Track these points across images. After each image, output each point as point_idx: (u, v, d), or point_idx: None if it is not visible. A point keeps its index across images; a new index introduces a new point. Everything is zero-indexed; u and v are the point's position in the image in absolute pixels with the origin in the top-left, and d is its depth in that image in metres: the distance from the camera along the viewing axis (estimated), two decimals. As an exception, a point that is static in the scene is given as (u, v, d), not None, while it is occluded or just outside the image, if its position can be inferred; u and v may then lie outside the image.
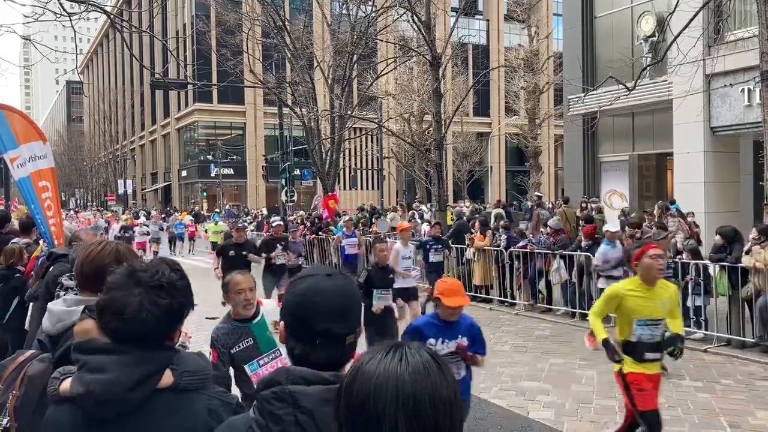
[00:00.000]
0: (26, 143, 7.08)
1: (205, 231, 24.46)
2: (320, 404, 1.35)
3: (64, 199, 67.98)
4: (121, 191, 58.40)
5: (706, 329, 8.80)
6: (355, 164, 49.37)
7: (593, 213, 13.87)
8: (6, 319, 5.88)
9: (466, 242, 12.68)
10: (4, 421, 2.04)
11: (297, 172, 30.00)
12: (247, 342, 3.78)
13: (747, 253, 8.34)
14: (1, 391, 2.13)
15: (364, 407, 1.09)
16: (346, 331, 1.49)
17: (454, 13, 30.56)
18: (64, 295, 3.03)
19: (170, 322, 1.69)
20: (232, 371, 3.84)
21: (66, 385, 1.67)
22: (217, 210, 38.86)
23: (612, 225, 10.37)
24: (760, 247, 8.14)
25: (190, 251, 25.01)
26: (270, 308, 3.95)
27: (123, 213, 38.32)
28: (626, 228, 10.77)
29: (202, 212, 39.85)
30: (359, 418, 1.10)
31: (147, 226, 23.08)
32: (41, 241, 7.76)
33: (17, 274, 6.09)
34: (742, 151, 16.09)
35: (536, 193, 22.07)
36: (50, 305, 2.16)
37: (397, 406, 1.07)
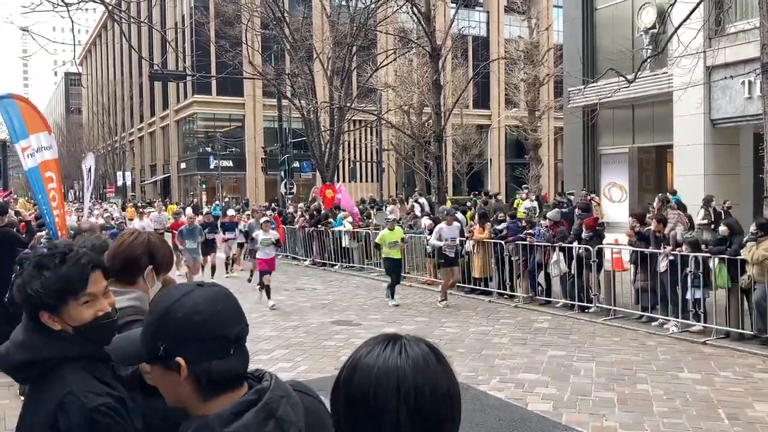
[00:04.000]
0: (35, 133, 7.09)
1: (377, 246, 13.00)
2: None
3: (63, 191, 67.93)
4: (120, 183, 58.37)
5: (705, 322, 8.81)
6: (355, 156, 49.28)
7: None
8: None
9: (466, 234, 12.68)
10: None
11: (296, 164, 29.95)
12: None
13: (742, 246, 8.37)
14: None
15: (364, 401, 1.08)
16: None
17: (454, 5, 30.41)
18: None
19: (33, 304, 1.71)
20: None
21: None
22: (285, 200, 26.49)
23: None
24: (755, 243, 8.13)
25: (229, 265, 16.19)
26: None
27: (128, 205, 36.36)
28: (630, 218, 10.77)
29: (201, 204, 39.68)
30: (359, 412, 1.09)
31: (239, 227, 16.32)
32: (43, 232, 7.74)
33: None
34: (742, 144, 16.08)
35: (524, 186, 22.34)
36: None
37: (398, 399, 1.06)
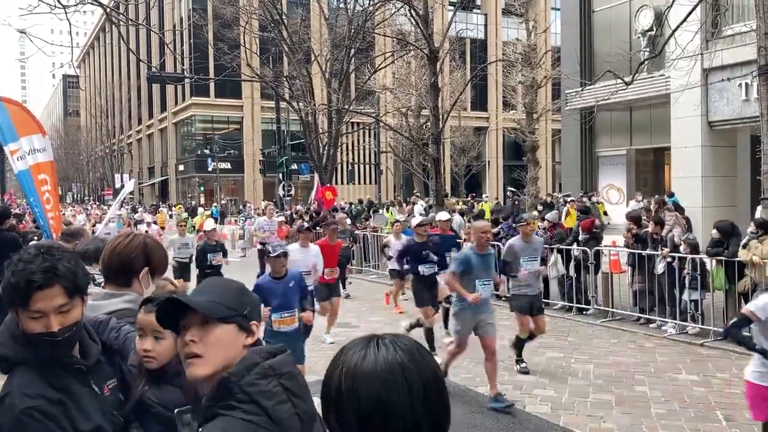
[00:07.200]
0: (26, 136, 7.08)
1: None
2: (292, 367, 1.50)
3: (60, 193, 67.83)
4: (118, 185, 58.29)
5: (703, 323, 8.81)
6: (353, 158, 49.31)
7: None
8: None
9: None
10: None
11: (294, 166, 29.96)
12: None
13: (744, 247, 8.35)
14: None
15: (377, 405, 1.09)
16: None
17: (452, 7, 30.48)
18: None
19: None
20: None
21: None
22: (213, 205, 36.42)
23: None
24: (758, 241, 8.14)
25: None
26: None
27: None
28: (626, 221, 10.79)
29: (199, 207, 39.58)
30: (374, 417, 1.10)
31: None
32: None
33: None
34: (739, 146, 16.11)
35: (510, 188, 22.28)
36: None
37: (410, 393, 1.10)
